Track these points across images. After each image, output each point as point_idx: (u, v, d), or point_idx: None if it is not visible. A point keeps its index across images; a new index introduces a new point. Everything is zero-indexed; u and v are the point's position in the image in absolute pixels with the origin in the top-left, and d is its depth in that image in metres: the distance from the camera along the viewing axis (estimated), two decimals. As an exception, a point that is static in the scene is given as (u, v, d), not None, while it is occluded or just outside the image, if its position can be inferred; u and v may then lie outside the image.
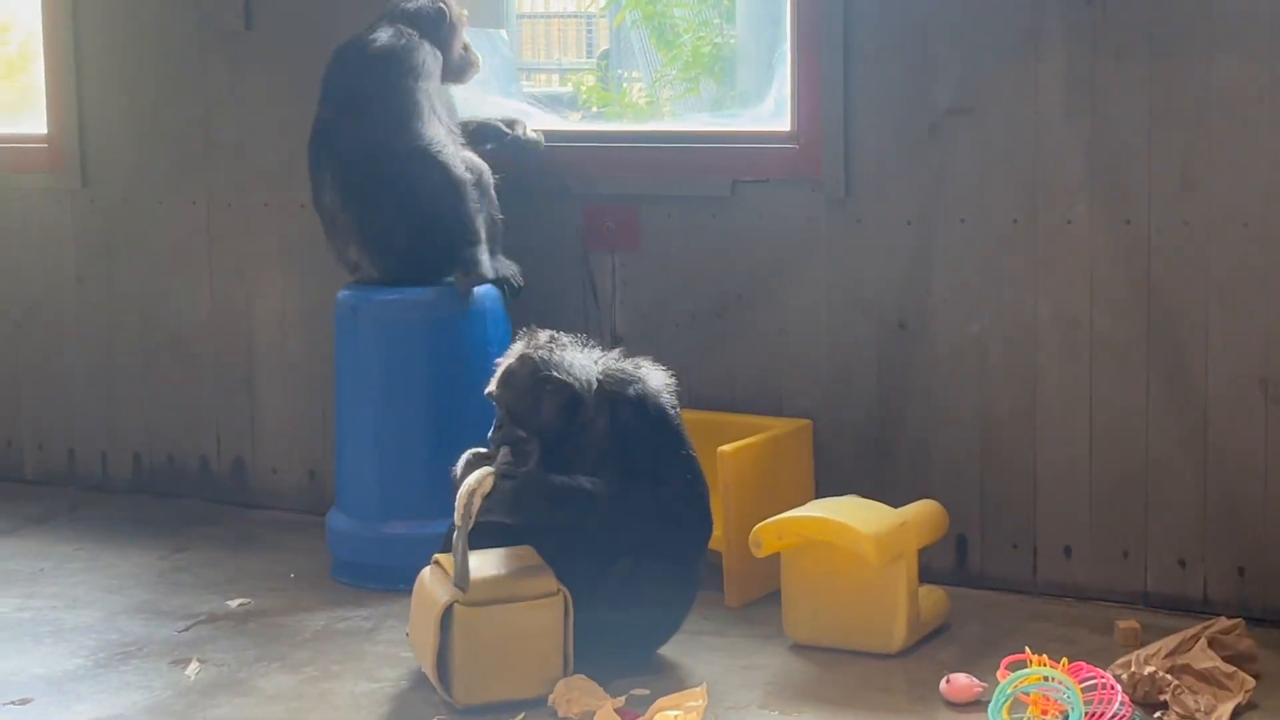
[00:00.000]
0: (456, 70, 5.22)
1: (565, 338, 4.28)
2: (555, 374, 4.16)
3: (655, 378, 4.26)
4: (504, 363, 4.26)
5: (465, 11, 5.25)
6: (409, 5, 5.16)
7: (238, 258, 5.86)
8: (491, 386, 4.25)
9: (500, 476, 4.06)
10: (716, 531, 4.48)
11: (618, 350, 4.35)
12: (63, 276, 6.16)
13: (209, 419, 5.97)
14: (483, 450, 4.24)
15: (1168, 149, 4.60)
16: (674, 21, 8.19)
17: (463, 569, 3.96)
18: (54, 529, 5.72)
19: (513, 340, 4.38)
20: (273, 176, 5.68)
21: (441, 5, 5.17)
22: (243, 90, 5.78)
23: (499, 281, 5.10)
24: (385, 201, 4.99)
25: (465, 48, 5.27)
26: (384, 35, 5.06)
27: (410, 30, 5.08)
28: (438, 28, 5.15)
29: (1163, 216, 4.62)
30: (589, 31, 10.20)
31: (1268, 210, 4.51)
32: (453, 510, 4.07)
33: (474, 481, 4.02)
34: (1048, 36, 4.70)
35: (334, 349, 5.15)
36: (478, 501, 3.99)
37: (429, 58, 5.08)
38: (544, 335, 4.27)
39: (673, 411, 4.26)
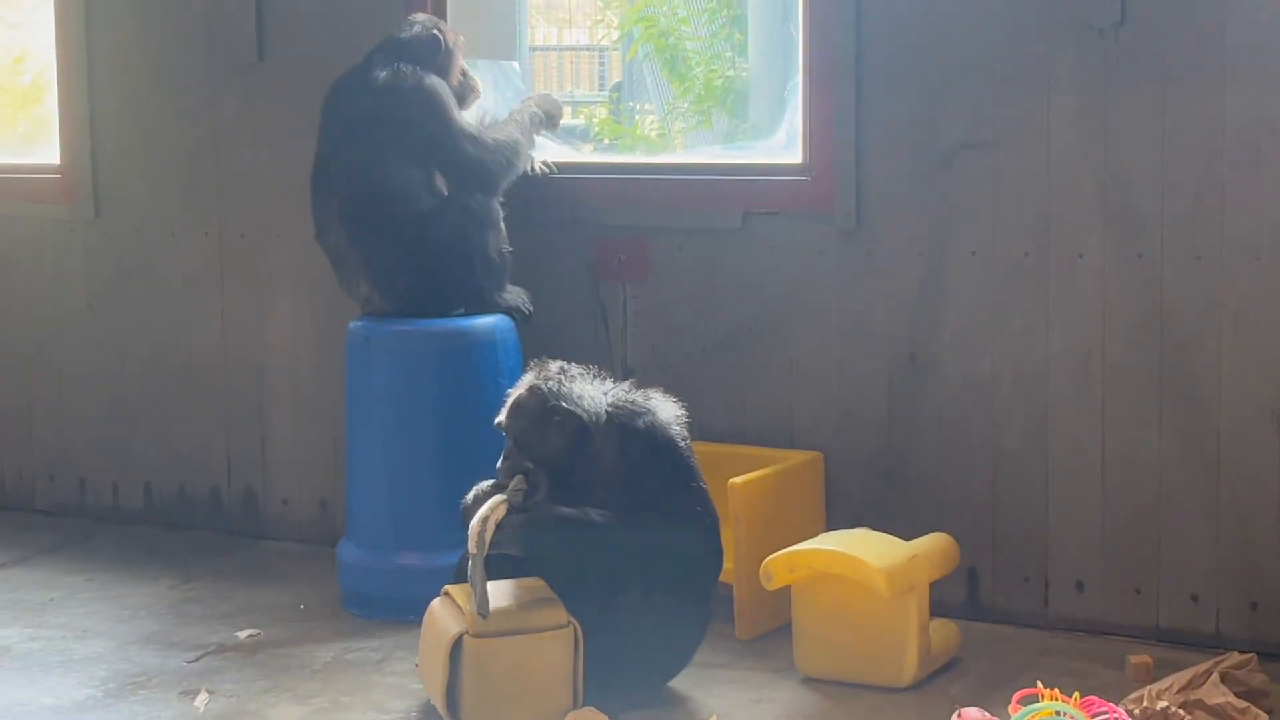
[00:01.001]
0: (457, 98, 5.20)
1: (576, 369, 4.28)
2: (564, 404, 4.16)
3: (666, 409, 4.26)
4: (514, 393, 4.26)
5: (462, 38, 5.25)
6: (404, 35, 5.15)
7: (250, 288, 5.87)
8: (501, 417, 4.26)
9: (510, 509, 4.06)
10: (727, 564, 4.47)
11: (629, 382, 4.35)
12: (75, 307, 6.17)
13: (220, 449, 5.97)
14: (489, 487, 4.23)
15: (1180, 182, 4.60)
16: (686, 54, 8.21)
17: (483, 597, 3.95)
18: (64, 559, 5.72)
19: (524, 371, 4.38)
20: (285, 207, 5.69)
21: (436, 33, 5.15)
22: (255, 121, 5.79)
23: (509, 310, 5.11)
24: (394, 238, 5.00)
25: (464, 74, 5.25)
26: (383, 70, 5.06)
27: (408, 62, 5.07)
28: (435, 56, 5.13)
29: (1175, 249, 4.62)
30: (601, 64, 10.22)
31: (1280, 244, 4.52)
32: (463, 542, 4.07)
33: (488, 510, 4.02)
34: (1060, 69, 4.70)
35: (346, 380, 5.15)
36: (491, 529, 3.99)
37: (434, 89, 5.06)
38: (554, 366, 4.27)
39: (683, 443, 4.25)
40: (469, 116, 5.19)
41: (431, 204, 5.05)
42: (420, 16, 5.25)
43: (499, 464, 4.24)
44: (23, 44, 7.56)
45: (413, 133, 5.02)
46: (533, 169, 5.27)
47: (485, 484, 4.26)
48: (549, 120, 5.35)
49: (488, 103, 5.44)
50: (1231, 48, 4.52)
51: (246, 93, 5.80)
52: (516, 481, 4.17)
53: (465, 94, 5.25)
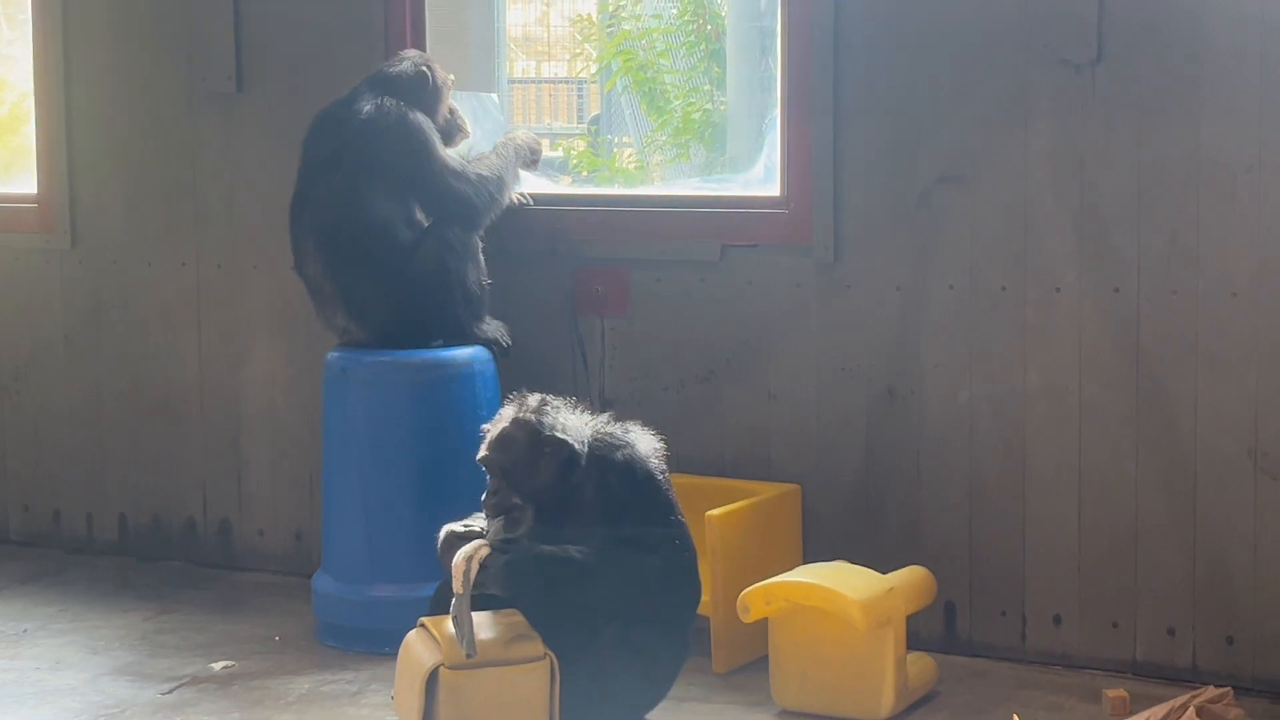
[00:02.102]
0: (443, 136, 5.19)
1: (556, 401, 4.26)
2: (555, 434, 4.14)
3: (644, 442, 4.24)
4: (495, 427, 4.22)
5: (452, 76, 5.26)
6: (392, 70, 5.15)
7: (227, 320, 5.86)
8: (484, 451, 4.21)
9: (492, 550, 4.03)
10: (704, 596, 4.45)
11: (607, 414, 4.34)
12: (51, 337, 6.15)
13: (195, 481, 5.95)
14: (460, 529, 4.19)
15: (1156, 218, 4.62)
16: (664, 87, 8.23)
17: (470, 635, 3.94)
18: (38, 590, 5.69)
19: (502, 403, 4.36)
20: (263, 239, 5.68)
21: (425, 69, 5.15)
22: (234, 152, 5.79)
23: (487, 342, 5.11)
24: (372, 270, 5.00)
25: (452, 112, 5.24)
26: (367, 103, 5.06)
27: (393, 97, 5.07)
28: (421, 91, 5.13)
29: (1151, 285, 4.64)
30: (580, 96, 10.24)
31: (1257, 279, 4.53)
32: (438, 574, 4.06)
33: (471, 550, 3.99)
34: (1037, 105, 4.72)
35: (322, 410, 5.14)
36: (475, 568, 3.97)
37: (417, 124, 5.06)
38: (534, 399, 4.25)
39: (661, 476, 4.24)
40: (454, 153, 5.18)
41: (410, 237, 5.05)
42: (410, 53, 5.24)
43: (484, 498, 4.19)
44: (1, 74, 7.56)
45: (394, 166, 5.01)
46: (512, 200, 5.28)
47: (455, 525, 4.21)
48: (531, 156, 5.35)
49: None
50: (1208, 83, 4.55)
51: (225, 124, 5.79)
52: (495, 527, 4.14)
53: (453, 132, 5.24)
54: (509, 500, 4.15)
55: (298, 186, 5.15)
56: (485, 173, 5.14)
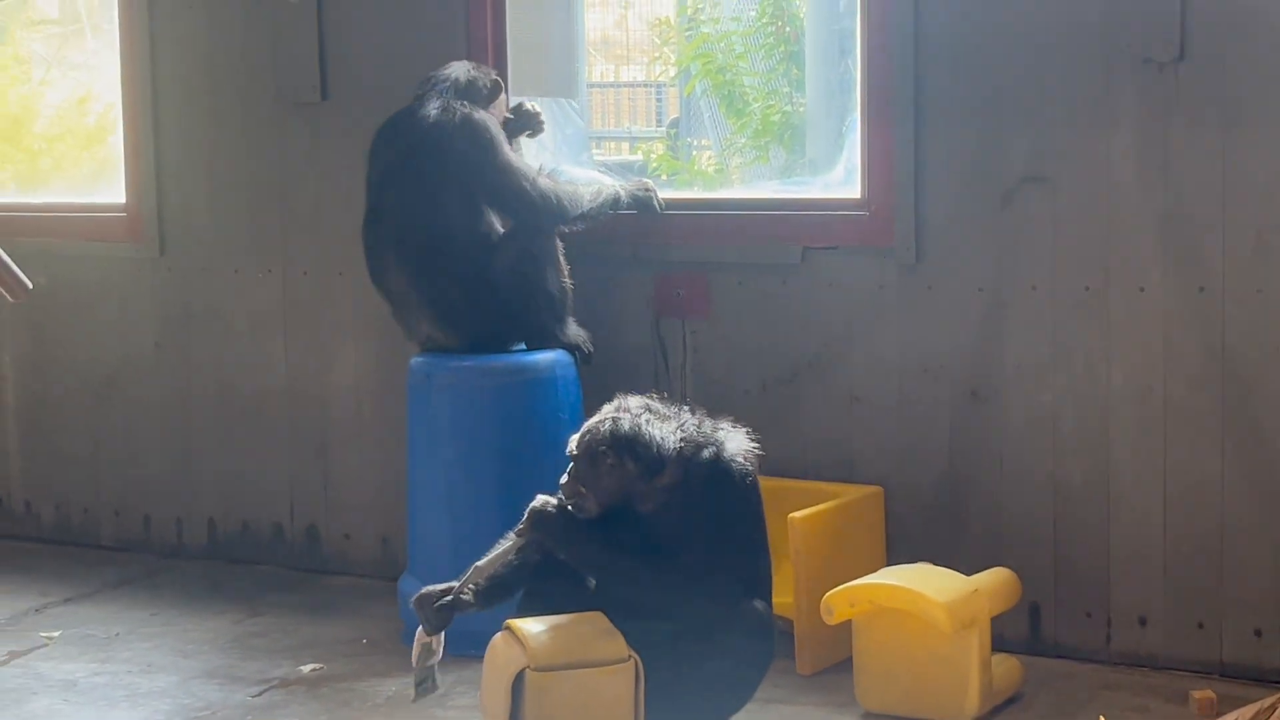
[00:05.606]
0: (508, 135, 5.18)
1: (657, 404, 4.26)
2: (616, 449, 4.14)
3: (733, 442, 4.22)
4: (589, 423, 4.26)
5: (499, 78, 5.25)
6: (459, 75, 5.15)
7: (313, 325, 5.92)
8: (571, 445, 4.26)
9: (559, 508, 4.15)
10: (788, 598, 4.47)
11: (702, 413, 4.32)
12: (141, 344, 6.23)
13: (283, 486, 6.01)
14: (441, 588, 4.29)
15: (1241, 216, 4.59)
16: (743, 90, 8.23)
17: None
18: (130, 594, 5.76)
19: (583, 407, 4.38)
20: (348, 245, 5.71)
21: (476, 71, 5.17)
22: (319, 160, 5.85)
23: (570, 347, 5.13)
24: (453, 277, 5.02)
25: (512, 111, 5.26)
26: (431, 108, 5.06)
27: (460, 101, 5.06)
28: (477, 94, 5.12)
29: (1237, 284, 4.61)
30: (659, 100, 10.25)
31: (1343, 277, 4.50)
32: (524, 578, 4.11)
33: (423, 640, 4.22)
34: (1120, 105, 4.70)
35: (407, 415, 5.18)
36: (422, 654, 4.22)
37: (484, 123, 5.06)
38: (634, 402, 4.25)
39: (743, 477, 4.21)
40: (526, 156, 5.19)
41: (488, 241, 5.06)
42: (463, 63, 5.22)
43: (560, 480, 4.24)
44: (87, 84, 7.65)
45: (463, 168, 5.01)
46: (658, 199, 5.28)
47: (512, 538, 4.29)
48: (633, 204, 5.30)
49: (547, 139, 5.45)
50: (1292, 81, 4.52)
51: (310, 131, 5.85)
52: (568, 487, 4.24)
53: (515, 131, 5.26)
54: (575, 489, 4.19)
55: (369, 200, 5.17)
56: (564, 187, 5.14)
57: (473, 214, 5.06)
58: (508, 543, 4.20)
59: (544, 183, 5.10)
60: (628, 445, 4.15)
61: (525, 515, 4.19)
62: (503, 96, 5.25)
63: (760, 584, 4.24)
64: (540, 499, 4.20)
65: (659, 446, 4.16)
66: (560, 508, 4.18)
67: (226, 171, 6.03)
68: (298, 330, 5.94)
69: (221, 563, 6.08)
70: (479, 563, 4.19)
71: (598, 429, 4.21)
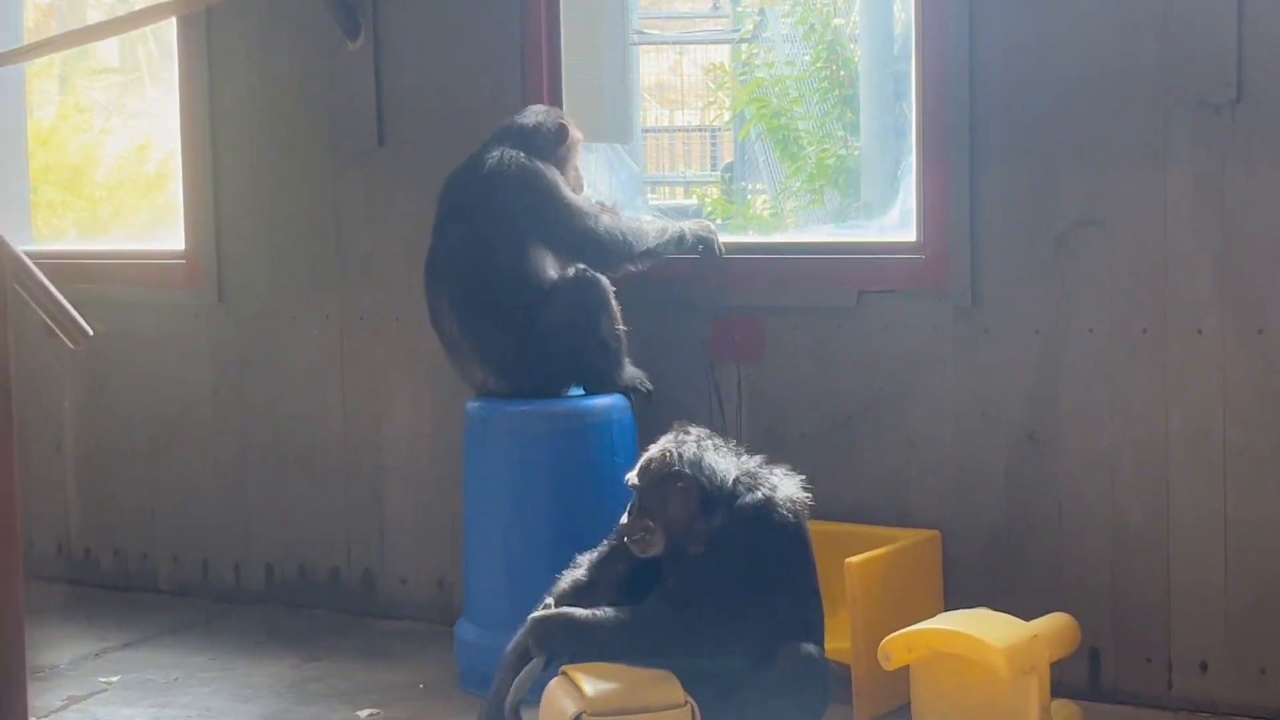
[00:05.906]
0: (574, 188, 5.19)
1: (716, 440, 4.27)
2: (687, 470, 4.16)
3: (785, 486, 4.23)
4: (649, 452, 4.27)
5: (580, 134, 5.28)
6: (527, 122, 5.18)
7: (369, 371, 5.94)
8: (632, 474, 4.26)
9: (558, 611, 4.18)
10: (845, 643, 4.45)
11: (759, 457, 4.33)
12: (199, 390, 6.27)
13: (340, 531, 6.03)
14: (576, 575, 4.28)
15: (1300, 257, 4.56)
16: (798, 134, 8.26)
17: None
18: (188, 639, 5.79)
19: (639, 453, 4.38)
20: (404, 291, 5.76)
21: (564, 122, 5.19)
22: (375, 206, 5.88)
23: (626, 390, 5.13)
24: (506, 324, 5.02)
25: (576, 169, 5.25)
26: (491, 156, 5.05)
27: (516, 149, 5.07)
28: (546, 142, 5.13)
29: (1296, 325, 4.58)
30: (713, 144, 10.29)
31: (1404, 319, 4.46)
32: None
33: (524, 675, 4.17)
34: (1177, 147, 4.69)
35: (463, 460, 5.19)
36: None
37: (537, 170, 5.06)
38: (695, 432, 4.27)
39: (793, 521, 4.21)
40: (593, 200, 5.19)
41: (543, 286, 5.07)
42: (539, 107, 5.27)
43: (623, 518, 4.24)
44: (147, 133, 7.74)
45: (517, 214, 5.02)
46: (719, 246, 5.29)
47: (570, 576, 4.31)
48: (696, 244, 5.31)
49: (601, 183, 5.45)
50: (1350, 122, 4.49)
51: (367, 178, 5.89)
52: (601, 552, 4.25)
53: (579, 188, 5.26)
54: (641, 523, 4.18)
55: (430, 248, 5.20)
56: (626, 225, 5.15)
57: (525, 259, 5.05)
58: (527, 664, 4.19)
59: (607, 219, 5.12)
60: (697, 465, 4.16)
61: (525, 629, 4.18)
62: (571, 138, 5.23)
63: (812, 629, 4.23)
64: (534, 613, 4.21)
65: (721, 476, 4.18)
66: (560, 610, 4.18)
67: (284, 218, 6.08)
68: (354, 376, 5.97)
69: (278, 607, 6.10)
70: (510, 691, 4.17)
71: (665, 453, 4.21)
